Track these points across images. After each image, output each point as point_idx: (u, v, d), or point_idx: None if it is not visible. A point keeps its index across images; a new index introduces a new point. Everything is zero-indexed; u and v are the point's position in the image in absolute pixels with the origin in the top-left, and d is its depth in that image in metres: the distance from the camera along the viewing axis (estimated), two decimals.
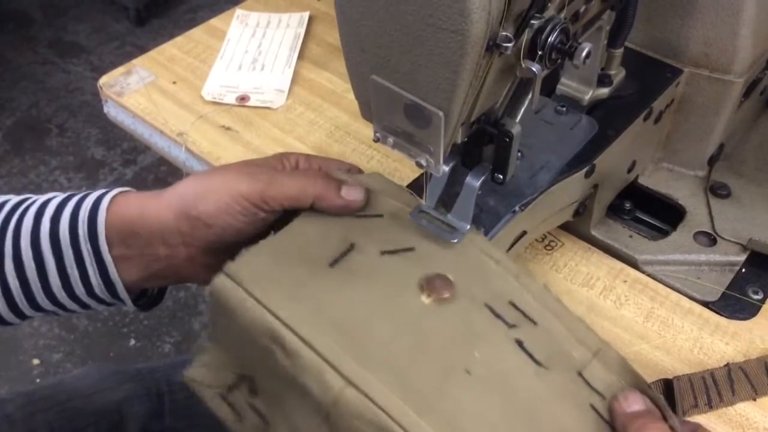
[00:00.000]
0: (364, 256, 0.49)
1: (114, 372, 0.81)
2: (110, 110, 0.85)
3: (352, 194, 0.52)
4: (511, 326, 0.46)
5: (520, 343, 0.46)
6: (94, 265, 0.52)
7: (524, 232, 0.59)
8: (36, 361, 1.59)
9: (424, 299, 0.47)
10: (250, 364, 0.48)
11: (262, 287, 0.46)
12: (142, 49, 0.91)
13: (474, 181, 0.53)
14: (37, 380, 1.55)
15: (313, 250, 0.50)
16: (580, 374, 0.45)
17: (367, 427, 0.42)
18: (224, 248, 0.52)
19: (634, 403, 0.44)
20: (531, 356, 0.45)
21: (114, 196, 0.53)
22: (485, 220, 0.56)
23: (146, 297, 0.59)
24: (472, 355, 0.44)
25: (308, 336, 0.44)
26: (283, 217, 0.53)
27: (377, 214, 0.53)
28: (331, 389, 0.42)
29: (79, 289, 0.53)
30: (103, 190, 0.54)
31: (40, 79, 2.28)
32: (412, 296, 0.47)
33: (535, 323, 0.47)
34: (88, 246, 0.51)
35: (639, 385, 0.46)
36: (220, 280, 0.47)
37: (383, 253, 0.50)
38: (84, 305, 0.54)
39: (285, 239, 0.51)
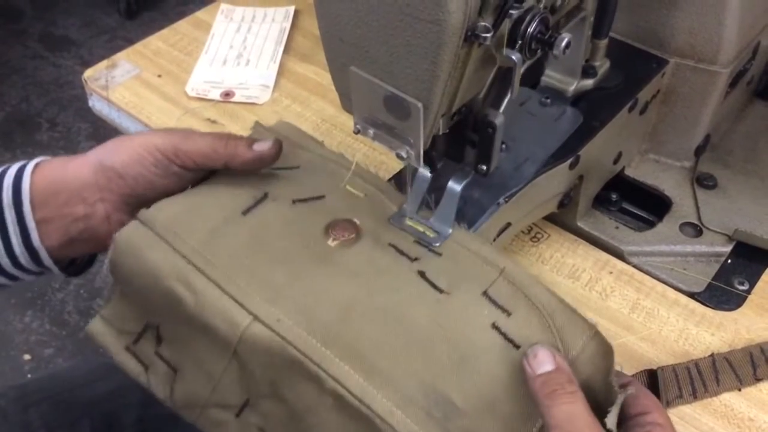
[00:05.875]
0: (276, 205, 0.52)
1: (105, 363, 0.81)
2: (95, 104, 0.85)
3: (264, 145, 0.53)
4: (414, 260, 0.48)
5: (422, 274, 0.47)
6: (18, 233, 0.52)
7: (509, 224, 0.59)
8: (27, 357, 1.58)
9: (330, 242, 0.49)
10: (155, 311, 0.49)
11: (174, 232, 0.48)
12: (133, 43, 0.90)
13: (456, 186, 0.53)
14: (29, 375, 1.55)
15: (227, 199, 0.52)
16: (485, 293, 0.46)
17: (275, 360, 0.43)
18: (140, 205, 0.53)
19: (544, 363, 0.43)
20: (433, 285, 0.47)
21: (38, 162, 0.54)
22: (470, 212, 0.56)
23: (75, 265, 0.59)
24: (374, 289, 0.46)
25: (215, 276, 0.46)
26: (203, 179, 0.55)
27: (294, 166, 0.55)
28: (238, 326, 0.44)
29: (4, 260, 0.53)
30: (26, 161, 0.54)
31: (30, 74, 2.27)
32: (319, 240, 0.49)
33: (439, 254, 0.49)
34: (12, 213, 0.52)
35: (546, 298, 0.46)
36: (131, 225, 0.49)
37: (295, 201, 0.52)
38: (11, 277, 0.55)
39: (200, 191, 0.53)
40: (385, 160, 0.74)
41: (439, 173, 0.53)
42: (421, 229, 0.51)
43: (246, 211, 0.51)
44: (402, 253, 0.49)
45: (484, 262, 0.48)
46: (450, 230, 0.52)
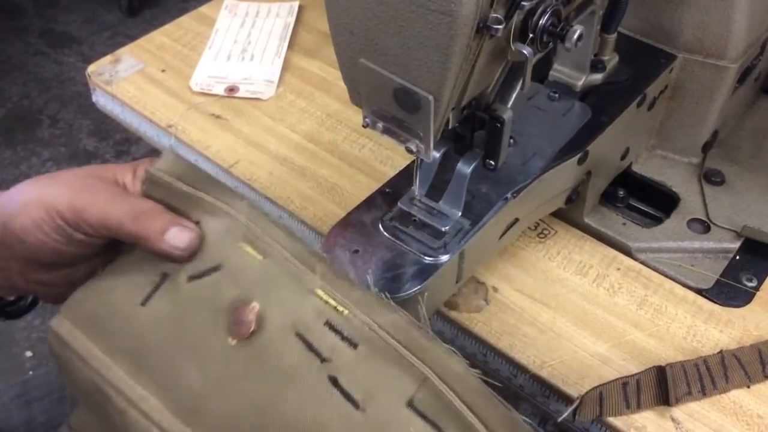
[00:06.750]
0: (172, 288, 0.46)
1: None
2: (99, 99, 0.84)
3: (178, 240, 0.45)
4: (325, 360, 0.42)
5: (335, 382, 0.41)
6: None
7: (516, 220, 0.59)
8: (29, 353, 1.58)
9: (231, 341, 0.44)
10: (103, 420, 0.46)
11: (84, 344, 0.45)
12: (134, 40, 0.89)
13: (465, 168, 0.52)
14: (30, 372, 1.55)
15: (129, 288, 0.47)
16: (410, 403, 0.41)
17: None
18: (52, 265, 0.48)
19: None
20: (348, 396, 0.41)
21: None
22: (477, 207, 0.56)
23: (16, 305, 0.56)
24: (284, 402, 0.42)
25: (130, 392, 0.43)
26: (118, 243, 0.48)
27: (193, 222, 0.48)
28: None
29: None
30: None
31: (32, 70, 2.26)
32: (220, 336, 0.44)
33: (355, 346, 0.42)
34: None
35: (481, 404, 0.40)
36: (50, 339, 0.46)
37: (191, 279, 0.46)
38: None
39: (106, 279, 0.48)
40: (390, 155, 0.74)
41: (448, 158, 0.52)
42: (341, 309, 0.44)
43: (144, 301, 0.46)
44: (311, 348, 0.43)
45: (407, 360, 0.42)
46: (459, 213, 0.51)
